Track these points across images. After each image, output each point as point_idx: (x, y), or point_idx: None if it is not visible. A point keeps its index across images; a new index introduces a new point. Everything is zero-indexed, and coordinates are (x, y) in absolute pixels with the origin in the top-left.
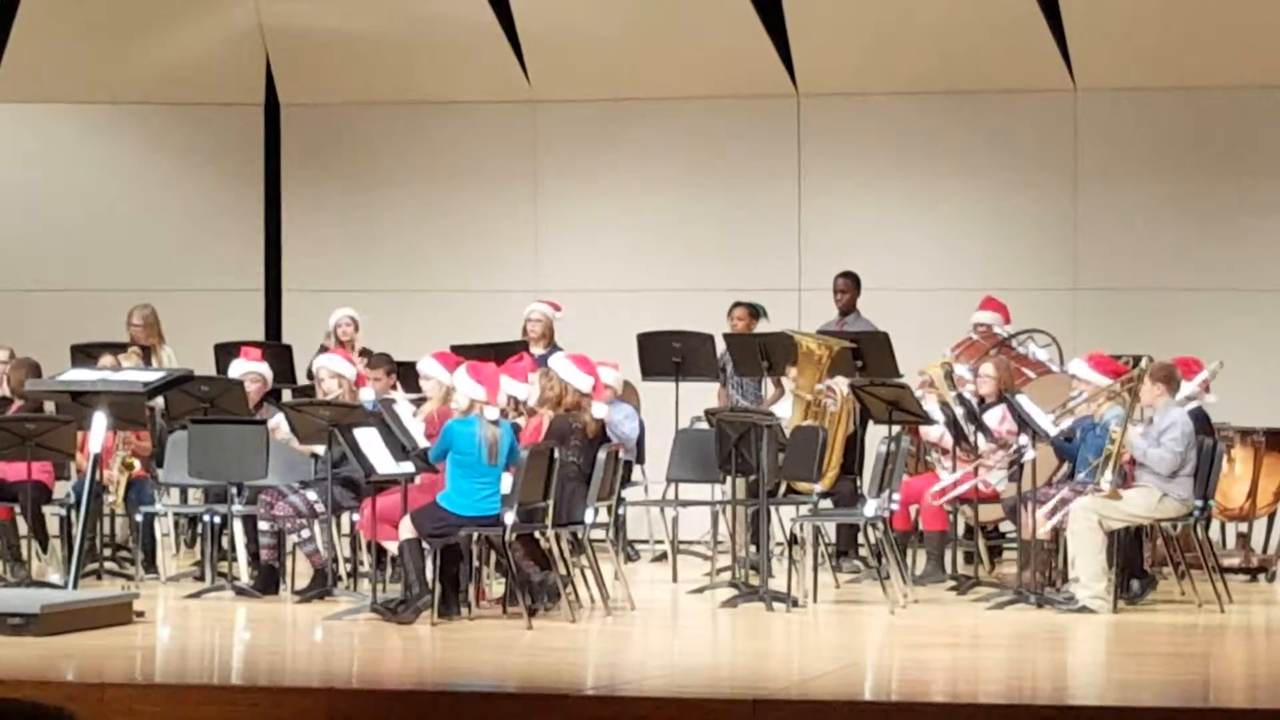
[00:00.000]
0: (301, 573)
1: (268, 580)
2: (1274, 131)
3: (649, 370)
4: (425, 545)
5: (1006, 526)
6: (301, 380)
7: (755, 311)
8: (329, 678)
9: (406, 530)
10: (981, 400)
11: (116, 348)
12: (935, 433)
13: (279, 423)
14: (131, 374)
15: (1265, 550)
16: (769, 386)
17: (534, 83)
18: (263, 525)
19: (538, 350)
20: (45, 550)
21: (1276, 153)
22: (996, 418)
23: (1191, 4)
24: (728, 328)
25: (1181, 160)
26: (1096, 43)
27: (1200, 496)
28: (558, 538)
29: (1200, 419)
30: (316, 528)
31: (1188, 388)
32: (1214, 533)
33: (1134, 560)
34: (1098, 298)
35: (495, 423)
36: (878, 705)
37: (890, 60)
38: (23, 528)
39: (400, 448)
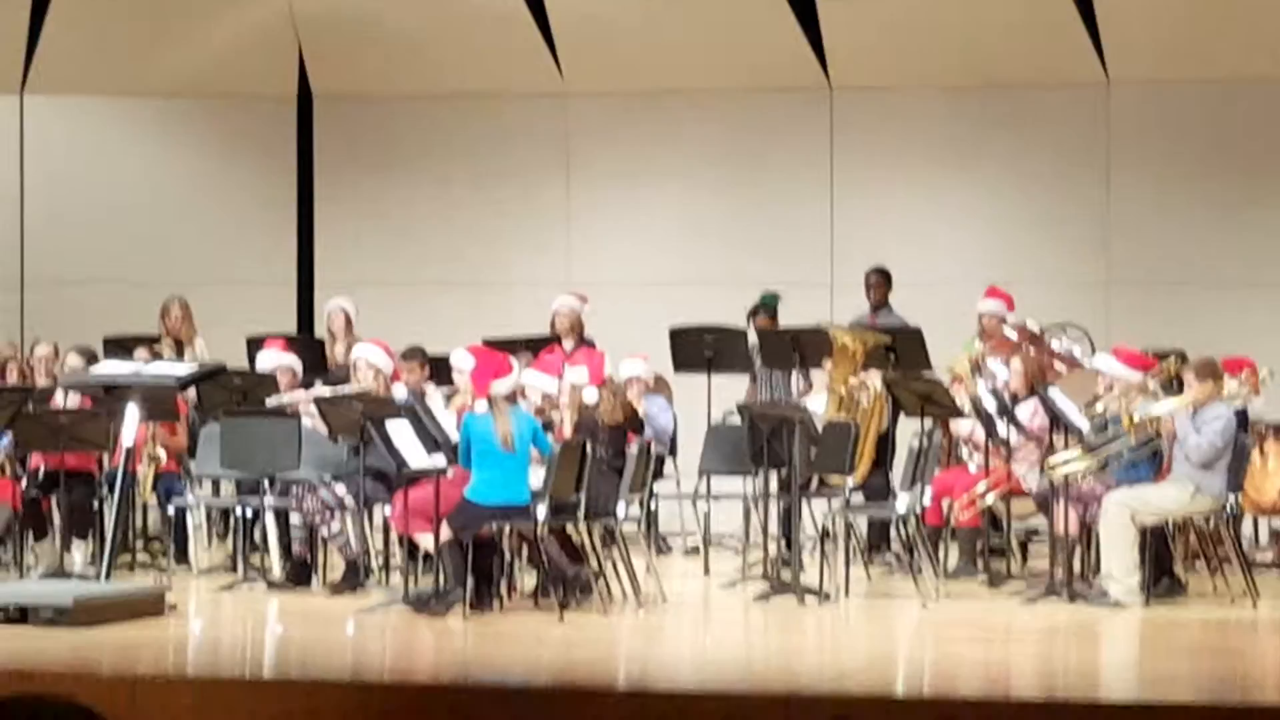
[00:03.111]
0: (334, 566)
1: (299, 573)
2: None
3: (681, 364)
4: (457, 540)
5: (1038, 521)
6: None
7: (772, 310)
8: (361, 671)
9: (445, 532)
10: (1013, 395)
11: (150, 341)
12: (966, 427)
13: (309, 402)
14: (164, 367)
15: None
16: (798, 381)
17: (566, 75)
18: (294, 518)
19: (568, 344)
20: (83, 537)
21: None
22: (1028, 412)
23: None
24: (750, 331)
25: (1215, 153)
26: (1129, 36)
27: (1233, 491)
28: (589, 531)
29: (1240, 418)
30: (348, 521)
31: (1232, 385)
32: (1246, 528)
33: (1163, 559)
34: (1130, 292)
35: (510, 404)
36: (910, 702)
37: (922, 54)
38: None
39: (432, 441)
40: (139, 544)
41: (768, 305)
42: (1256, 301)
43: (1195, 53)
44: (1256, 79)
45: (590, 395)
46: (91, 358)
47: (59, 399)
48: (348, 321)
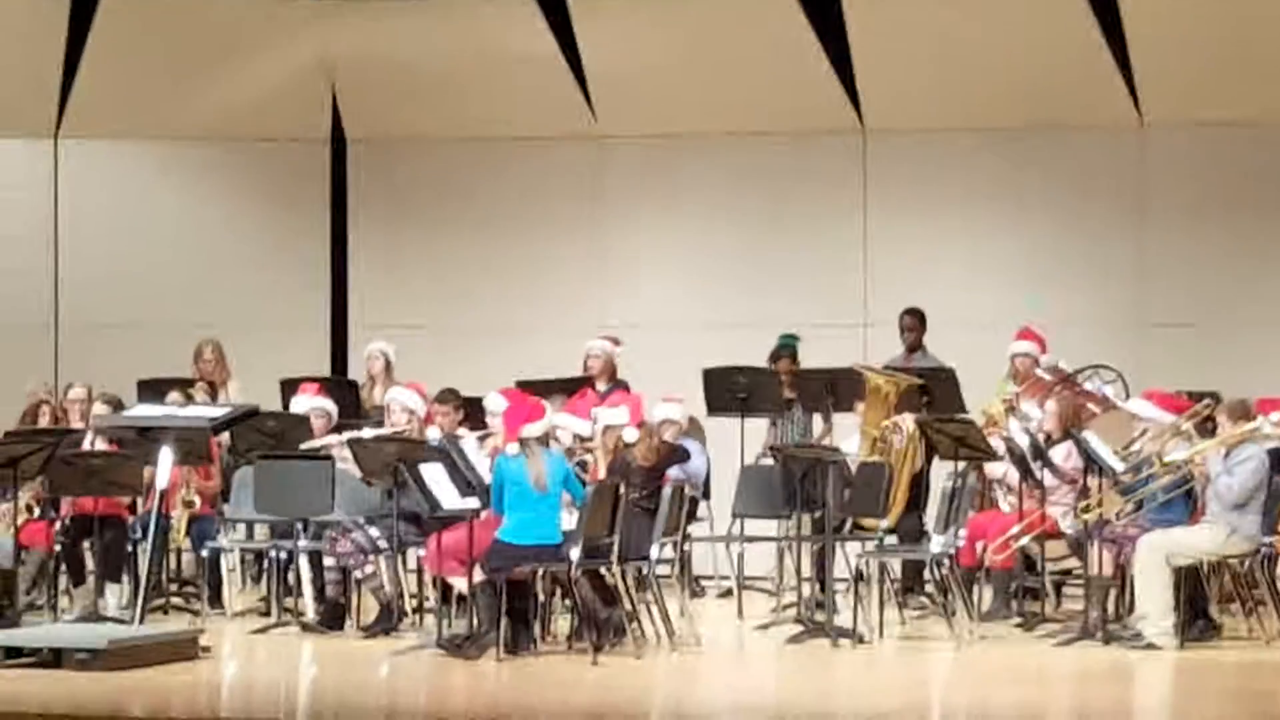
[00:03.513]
0: (367, 608)
1: (333, 616)
2: None
3: (714, 406)
4: (491, 582)
5: (1072, 563)
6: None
7: (792, 351)
8: (395, 714)
9: (478, 574)
10: (1048, 437)
11: (184, 383)
12: (1000, 469)
13: (342, 446)
14: (198, 410)
15: None
16: (818, 424)
17: (600, 118)
18: (328, 561)
19: (601, 386)
20: (116, 581)
21: None
22: (1062, 454)
23: (1258, 36)
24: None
25: (1249, 195)
26: (1163, 78)
27: (1268, 533)
28: (623, 573)
29: (1274, 459)
30: (382, 563)
31: (1266, 426)
32: None
33: (1197, 601)
34: (1164, 334)
35: (542, 446)
36: None
37: (956, 95)
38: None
39: (466, 483)
40: (173, 587)
41: (788, 347)
42: None
43: (1230, 94)
44: None
45: (630, 435)
46: (118, 406)
47: (88, 443)
48: (387, 365)
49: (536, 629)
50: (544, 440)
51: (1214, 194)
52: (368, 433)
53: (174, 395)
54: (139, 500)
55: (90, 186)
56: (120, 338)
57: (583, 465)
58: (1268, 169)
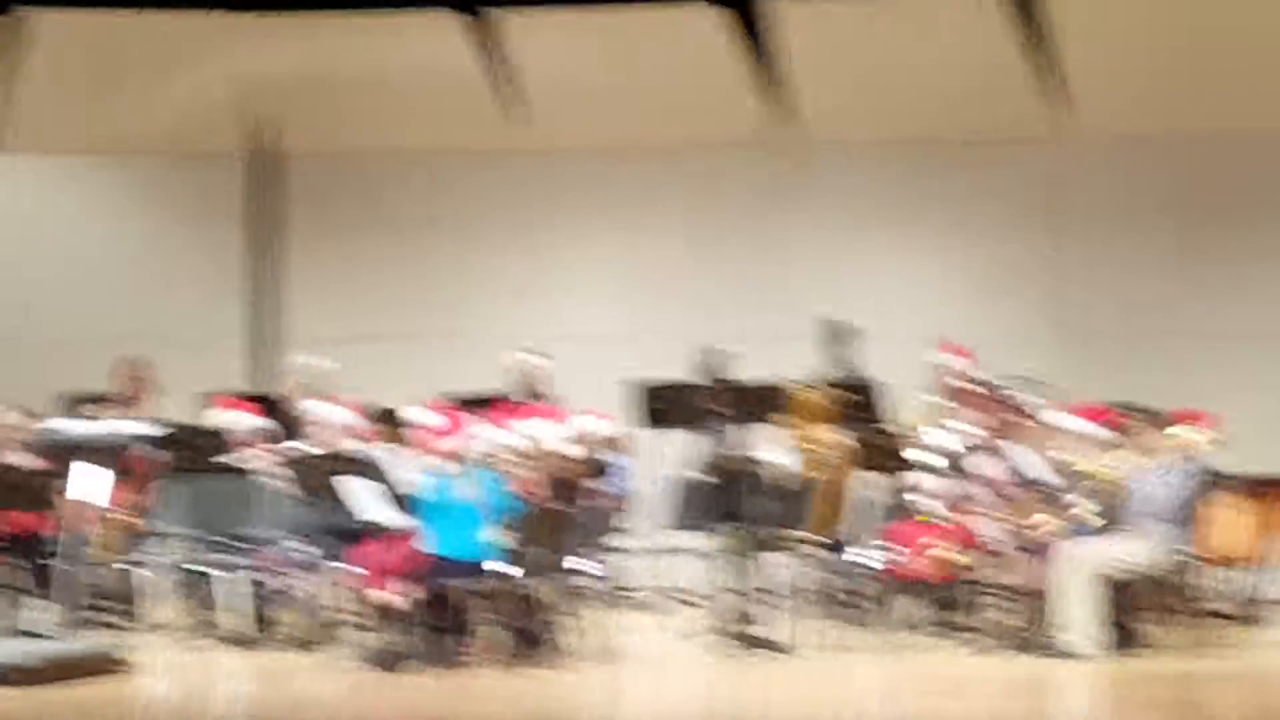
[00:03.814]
0: (295, 623)
1: (261, 631)
2: (1264, 176)
3: (642, 419)
4: (418, 597)
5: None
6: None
7: (721, 365)
8: None
9: (406, 589)
10: (971, 449)
11: (104, 399)
12: (924, 480)
13: (271, 460)
14: (124, 426)
15: (1250, 597)
16: (745, 437)
17: (528, 131)
18: (255, 576)
19: (527, 399)
20: (41, 597)
21: (1266, 197)
22: (985, 465)
23: (1177, 49)
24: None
25: (1169, 205)
26: (1081, 89)
27: (1191, 544)
28: (549, 586)
29: (1196, 471)
30: (310, 578)
31: (1187, 438)
32: (1205, 580)
33: (1122, 611)
34: (1091, 347)
35: (465, 460)
36: None
37: (886, 109)
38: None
39: (394, 498)
40: (98, 603)
41: (712, 363)
42: (1212, 354)
43: (1147, 106)
44: (1208, 131)
45: (564, 447)
46: (29, 416)
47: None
48: (313, 382)
49: (463, 643)
50: (468, 454)
51: (1132, 205)
52: (295, 448)
53: (93, 409)
54: (63, 516)
55: (6, 202)
56: (36, 353)
57: (503, 478)
58: (1186, 178)
